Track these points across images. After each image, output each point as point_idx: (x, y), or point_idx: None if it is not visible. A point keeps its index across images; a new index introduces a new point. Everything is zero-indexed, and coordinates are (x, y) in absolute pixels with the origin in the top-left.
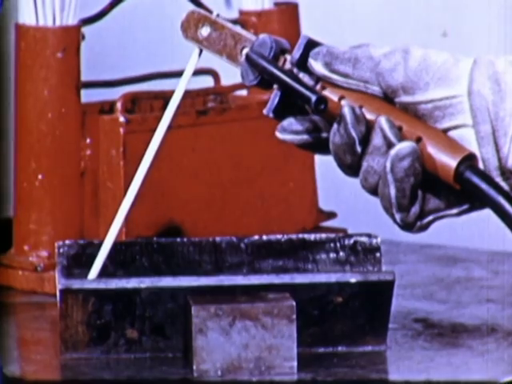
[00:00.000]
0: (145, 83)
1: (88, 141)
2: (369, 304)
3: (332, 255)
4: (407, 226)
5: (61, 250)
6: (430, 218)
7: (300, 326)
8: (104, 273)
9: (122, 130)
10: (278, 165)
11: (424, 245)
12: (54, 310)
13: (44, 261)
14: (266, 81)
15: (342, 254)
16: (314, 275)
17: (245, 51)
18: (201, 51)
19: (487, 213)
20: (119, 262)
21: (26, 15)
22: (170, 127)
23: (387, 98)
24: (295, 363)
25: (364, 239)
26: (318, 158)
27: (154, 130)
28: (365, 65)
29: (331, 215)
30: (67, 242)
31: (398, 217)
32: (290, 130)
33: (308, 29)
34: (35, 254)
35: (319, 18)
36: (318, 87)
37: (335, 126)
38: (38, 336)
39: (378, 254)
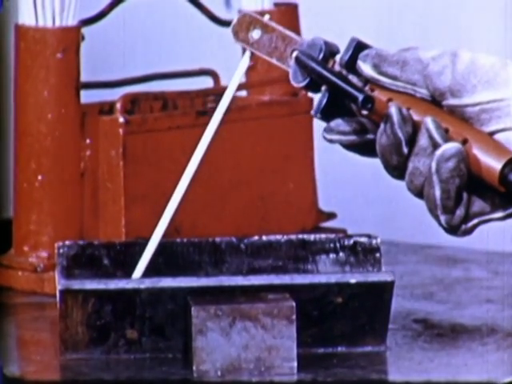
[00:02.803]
0: (144, 84)
1: (88, 141)
2: (368, 304)
3: (332, 256)
4: (452, 229)
5: (61, 251)
6: (475, 221)
7: (300, 326)
8: (104, 273)
9: (121, 130)
10: (277, 165)
11: (424, 245)
12: (53, 311)
13: (44, 261)
14: (314, 82)
15: (341, 254)
16: (313, 276)
17: (295, 53)
18: (252, 54)
19: None
20: (119, 262)
21: (25, 16)
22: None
23: (434, 101)
24: (295, 364)
25: (364, 240)
26: (318, 158)
27: (153, 131)
28: (413, 67)
29: (331, 215)
30: (67, 242)
31: (443, 219)
32: (337, 130)
33: (308, 29)
34: (35, 254)
35: (319, 18)
36: (367, 89)
37: (382, 126)
38: (37, 336)
39: (377, 255)
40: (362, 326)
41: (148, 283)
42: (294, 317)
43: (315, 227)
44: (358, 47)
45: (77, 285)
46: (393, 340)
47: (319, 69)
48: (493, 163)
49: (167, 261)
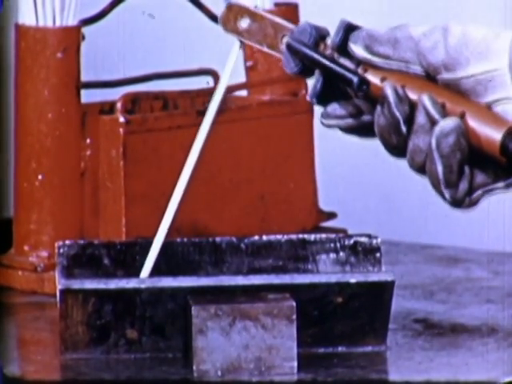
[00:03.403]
0: (145, 83)
1: (88, 141)
2: (369, 304)
3: (332, 255)
4: (457, 203)
5: (61, 250)
6: (479, 192)
7: (300, 326)
8: (104, 273)
9: (121, 130)
10: (277, 165)
11: (424, 245)
12: (53, 310)
13: (44, 261)
14: (307, 68)
15: (342, 254)
16: (314, 275)
17: (285, 40)
18: (241, 43)
19: (487, 213)
20: (119, 261)
21: (25, 15)
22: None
23: (429, 77)
24: (295, 363)
25: (364, 239)
26: (318, 158)
27: (154, 131)
28: (405, 45)
29: (331, 215)
30: (67, 242)
31: (447, 194)
32: (334, 115)
33: None
34: (35, 254)
35: (319, 18)
36: (360, 70)
37: (379, 107)
38: (37, 336)
39: (378, 255)
40: (363, 326)
41: (148, 283)
42: (294, 317)
43: (315, 227)
44: (348, 29)
45: (77, 284)
46: (393, 340)
47: (311, 54)
48: (492, 134)
49: (167, 260)
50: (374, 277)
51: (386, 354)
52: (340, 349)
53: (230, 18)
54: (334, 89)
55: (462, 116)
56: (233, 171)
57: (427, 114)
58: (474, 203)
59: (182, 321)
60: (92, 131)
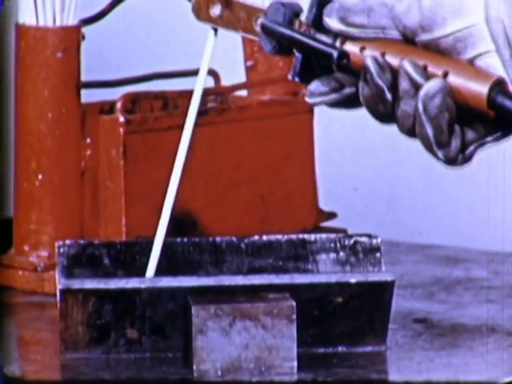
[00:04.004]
0: (145, 83)
1: (88, 141)
2: (369, 304)
3: (332, 255)
4: (451, 161)
5: (61, 250)
6: (471, 148)
7: (300, 326)
8: (104, 272)
9: (121, 130)
10: (277, 165)
11: (424, 245)
12: (54, 310)
13: (44, 261)
14: (284, 47)
15: (342, 254)
16: (314, 275)
17: (259, 21)
18: (216, 31)
19: (487, 213)
20: (120, 261)
21: (26, 15)
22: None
23: (407, 40)
24: (295, 363)
25: (364, 239)
26: (318, 158)
27: (154, 130)
28: (379, 12)
29: (331, 215)
30: (67, 241)
31: (440, 154)
32: (318, 92)
33: None
34: (35, 254)
35: None
36: (338, 43)
37: (362, 79)
38: (37, 336)
39: (378, 255)
40: (363, 326)
41: (148, 283)
42: (294, 316)
43: (315, 227)
44: (321, 3)
45: (77, 284)
46: (393, 340)
47: (288, 33)
48: (478, 89)
49: (167, 260)
50: (374, 277)
51: (385, 354)
52: (340, 349)
53: (201, 7)
54: (314, 65)
55: (446, 75)
56: (233, 171)
57: (410, 79)
58: (467, 159)
59: (181, 321)
60: (92, 131)
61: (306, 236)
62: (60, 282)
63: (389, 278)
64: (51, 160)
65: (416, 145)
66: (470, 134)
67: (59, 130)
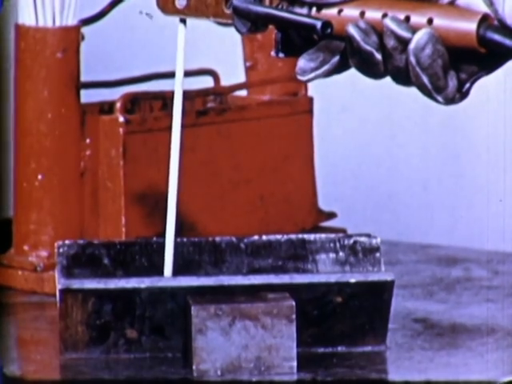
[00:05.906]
0: (144, 83)
1: (88, 141)
2: (368, 304)
3: (332, 255)
4: (450, 101)
5: (60, 250)
6: (468, 85)
7: (300, 326)
8: (104, 272)
9: (121, 130)
10: (277, 165)
11: (424, 245)
12: (53, 310)
13: (44, 261)
14: (259, 26)
15: (341, 254)
16: (313, 275)
17: (231, 3)
18: (185, 22)
19: (487, 213)
20: (119, 261)
21: (25, 15)
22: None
23: None
24: (295, 363)
25: (364, 239)
26: (318, 158)
27: (153, 131)
28: None
29: (331, 215)
30: (67, 241)
31: (439, 98)
32: (310, 68)
33: None
34: (35, 253)
35: None
36: (314, 12)
37: (348, 47)
38: (37, 336)
39: (377, 254)
40: (362, 326)
41: (148, 283)
42: (294, 316)
43: (315, 227)
44: None
45: (77, 284)
46: (393, 339)
47: (264, 11)
48: (466, 28)
49: None
50: (373, 276)
51: (385, 354)
52: (340, 349)
53: (166, 1)
54: (294, 37)
55: (430, 22)
56: (233, 171)
57: (396, 36)
58: (465, 95)
59: (181, 321)
60: (92, 131)
61: (305, 236)
62: (59, 282)
63: (388, 277)
64: (51, 160)
65: (416, 145)
66: (465, 73)
67: (59, 130)
